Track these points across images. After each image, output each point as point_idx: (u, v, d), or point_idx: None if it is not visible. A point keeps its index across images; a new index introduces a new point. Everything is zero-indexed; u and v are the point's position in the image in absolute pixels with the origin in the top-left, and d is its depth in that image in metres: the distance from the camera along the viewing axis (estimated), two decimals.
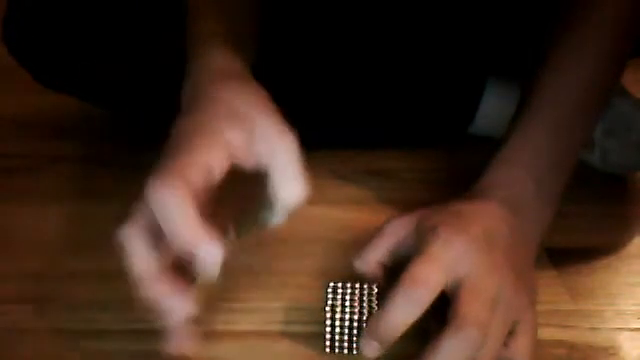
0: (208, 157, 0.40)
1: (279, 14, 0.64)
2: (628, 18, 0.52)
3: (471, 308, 0.41)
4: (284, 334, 0.51)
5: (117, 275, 0.55)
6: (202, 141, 0.40)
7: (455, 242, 0.43)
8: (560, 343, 0.51)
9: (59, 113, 0.76)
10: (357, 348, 0.47)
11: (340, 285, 0.48)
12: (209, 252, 0.38)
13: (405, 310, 0.42)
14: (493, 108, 0.70)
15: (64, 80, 0.66)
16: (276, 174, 0.41)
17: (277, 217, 0.43)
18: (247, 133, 0.41)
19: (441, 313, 0.42)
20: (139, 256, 0.41)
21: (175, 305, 0.40)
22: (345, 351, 0.48)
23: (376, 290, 0.48)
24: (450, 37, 0.68)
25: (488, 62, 0.71)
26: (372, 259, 0.48)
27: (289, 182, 0.41)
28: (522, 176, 0.49)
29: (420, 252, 0.43)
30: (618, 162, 0.66)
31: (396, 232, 0.48)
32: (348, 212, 0.64)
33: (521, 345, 0.44)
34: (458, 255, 0.43)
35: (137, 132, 0.74)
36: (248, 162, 0.41)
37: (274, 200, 0.42)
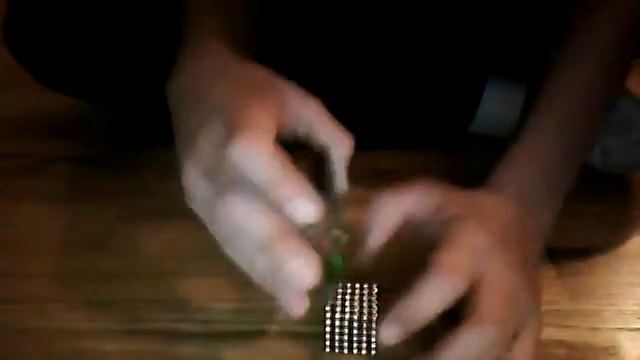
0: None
1: (279, 14, 0.64)
2: (632, 17, 0.52)
3: (491, 305, 0.41)
4: (284, 334, 0.51)
5: (117, 275, 0.56)
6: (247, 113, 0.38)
7: (479, 237, 0.43)
8: (560, 343, 0.51)
9: (59, 113, 0.76)
10: (357, 348, 0.47)
11: (340, 285, 0.48)
12: (308, 203, 0.36)
13: (438, 297, 0.41)
14: (494, 106, 0.70)
15: (65, 80, 0.66)
16: (321, 131, 0.42)
17: (340, 179, 0.44)
18: (281, 102, 0.41)
19: (448, 311, 0.42)
20: (258, 217, 0.36)
21: (301, 266, 0.36)
22: (345, 351, 0.48)
23: (376, 290, 0.48)
24: (450, 35, 0.68)
25: (488, 60, 0.71)
26: (391, 209, 0.46)
27: (335, 134, 0.42)
28: (532, 175, 0.49)
29: (447, 239, 0.43)
30: (618, 162, 0.66)
31: (418, 199, 0.46)
32: (348, 212, 0.63)
33: (524, 348, 0.44)
34: (481, 250, 0.43)
35: (137, 132, 0.74)
36: (286, 131, 0.41)
37: (328, 158, 0.42)
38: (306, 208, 0.36)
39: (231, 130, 0.37)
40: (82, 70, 0.64)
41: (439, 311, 0.41)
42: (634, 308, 0.54)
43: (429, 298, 0.41)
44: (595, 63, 0.51)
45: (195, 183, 0.38)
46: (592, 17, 0.52)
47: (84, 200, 0.64)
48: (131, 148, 0.71)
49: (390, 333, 0.41)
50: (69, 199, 0.64)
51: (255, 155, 0.36)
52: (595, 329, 0.52)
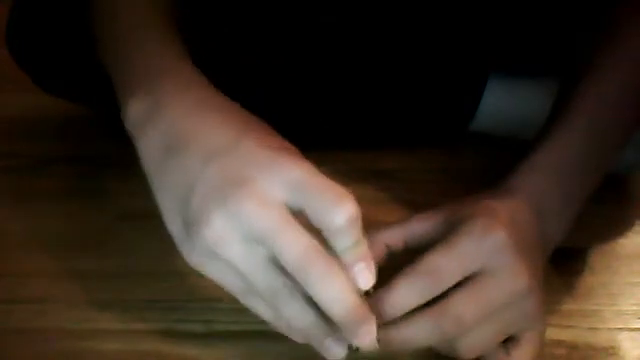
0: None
1: (277, 12, 0.64)
2: None
3: (461, 306, 0.41)
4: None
5: (117, 275, 0.56)
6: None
7: (493, 237, 0.43)
8: (560, 343, 0.51)
9: (58, 113, 0.76)
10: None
11: None
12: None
13: (408, 298, 0.42)
14: (495, 104, 0.70)
15: (65, 85, 0.66)
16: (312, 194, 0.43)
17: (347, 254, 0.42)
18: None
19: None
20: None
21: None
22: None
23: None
24: (451, 32, 0.68)
25: (489, 57, 0.70)
26: (380, 239, 0.47)
27: (331, 197, 0.43)
28: (550, 185, 0.48)
29: (448, 240, 0.43)
30: (619, 161, 0.66)
31: (418, 225, 0.47)
32: None
33: (524, 353, 0.44)
34: (493, 250, 0.42)
35: None
36: None
37: None
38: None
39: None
40: (82, 76, 0.64)
41: (408, 309, 0.42)
42: (634, 308, 0.54)
43: (401, 295, 0.42)
44: (630, 79, 0.51)
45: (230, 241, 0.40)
46: (631, 24, 0.52)
47: (84, 200, 0.64)
48: (131, 148, 0.71)
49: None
50: (69, 199, 0.64)
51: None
52: (595, 329, 0.52)
